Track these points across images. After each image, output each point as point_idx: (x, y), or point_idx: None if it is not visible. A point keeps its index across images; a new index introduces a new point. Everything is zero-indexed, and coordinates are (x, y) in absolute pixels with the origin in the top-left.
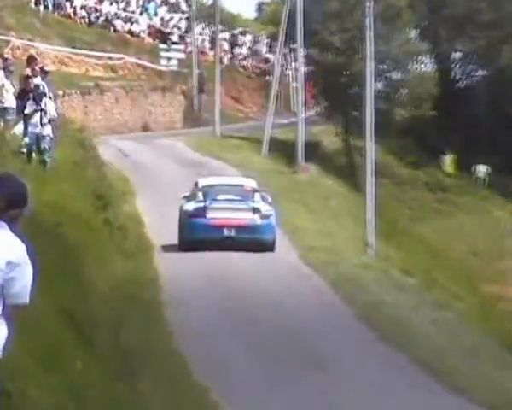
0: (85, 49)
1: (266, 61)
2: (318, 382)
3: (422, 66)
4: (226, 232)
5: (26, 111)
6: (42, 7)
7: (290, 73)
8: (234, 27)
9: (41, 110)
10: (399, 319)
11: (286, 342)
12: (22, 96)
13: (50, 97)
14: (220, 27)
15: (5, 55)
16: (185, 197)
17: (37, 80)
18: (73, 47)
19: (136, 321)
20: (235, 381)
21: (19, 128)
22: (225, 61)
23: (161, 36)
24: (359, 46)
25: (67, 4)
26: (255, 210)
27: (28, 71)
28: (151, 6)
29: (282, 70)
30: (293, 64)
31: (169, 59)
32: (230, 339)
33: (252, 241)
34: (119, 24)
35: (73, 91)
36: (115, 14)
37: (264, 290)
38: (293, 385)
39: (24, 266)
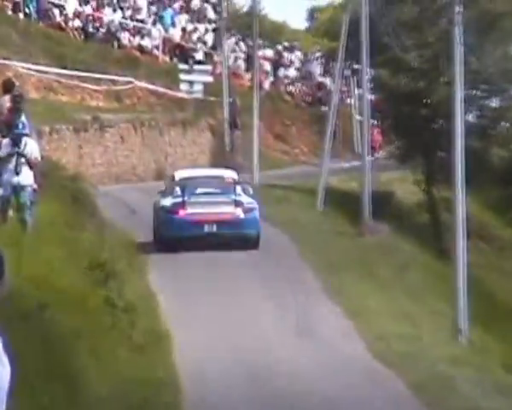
0: (80, 71)
1: (320, 86)
2: None
3: None
4: (207, 228)
5: (0, 154)
6: (22, 14)
7: (352, 101)
8: (278, 41)
9: (18, 154)
10: None
11: None
12: None
13: (29, 135)
14: (260, 41)
15: None
16: (161, 192)
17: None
18: (64, 68)
19: None
20: None
21: None
22: (266, 86)
23: (181, 53)
24: (444, 66)
25: (56, 11)
26: (237, 203)
27: (7, 100)
28: (167, 13)
29: (341, 98)
30: (356, 90)
31: (191, 83)
32: None
33: (235, 236)
34: (125, 37)
35: (64, 127)
36: (120, 23)
37: (320, 396)
38: None
39: None
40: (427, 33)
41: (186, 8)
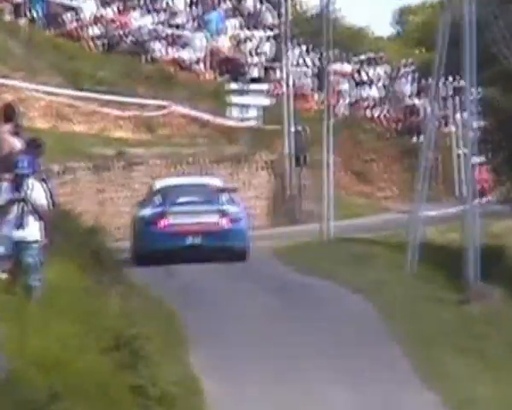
0: (100, 93)
1: (412, 109)
2: None
3: None
4: (190, 240)
5: None
6: (25, 20)
7: (453, 130)
8: (357, 52)
9: (22, 200)
10: None
11: None
12: None
13: (42, 177)
14: (333, 52)
15: None
16: (140, 203)
17: (17, 147)
18: (80, 89)
19: None
20: None
21: None
22: (342, 109)
23: (231, 68)
24: None
25: (69, 16)
26: (223, 213)
27: (7, 129)
28: (213, 18)
29: (439, 125)
30: (458, 115)
31: (245, 108)
32: None
33: (220, 249)
34: (158, 48)
35: (80, 165)
36: (152, 31)
37: None
38: None
39: None
40: None
41: (237, 11)
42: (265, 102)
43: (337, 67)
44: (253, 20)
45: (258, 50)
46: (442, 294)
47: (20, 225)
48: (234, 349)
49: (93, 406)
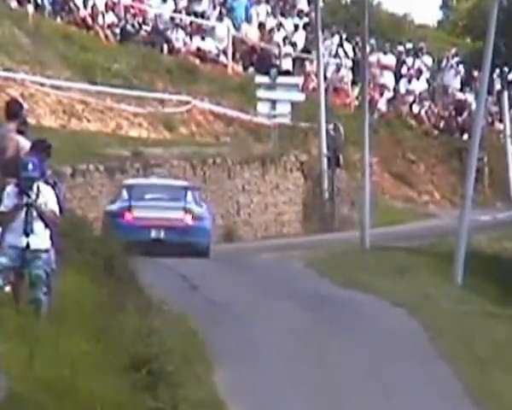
0: (115, 87)
1: (460, 105)
2: None
3: None
4: (154, 234)
5: (2, 208)
6: (31, 7)
7: (508, 128)
8: (398, 42)
9: (29, 206)
10: None
11: None
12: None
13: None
14: (373, 42)
15: None
16: (111, 201)
17: (26, 147)
18: (93, 83)
19: None
20: None
21: None
22: (382, 105)
23: (259, 60)
24: None
25: (80, 2)
26: (187, 210)
27: (12, 128)
28: (239, 4)
29: (490, 122)
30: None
31: (274, 103)
32: None
33: (183, 244)
34: (178, 38)
35: (92, 167)
36: (172, 19)
37: None
38: None
39: None
40: None
41: None
42: (297, 96)
43: (377, 58)
44: (283, 7)
45: (289, 40)
46: (494, 308)
47: (27, 232)
48: (263, 370)
49: None
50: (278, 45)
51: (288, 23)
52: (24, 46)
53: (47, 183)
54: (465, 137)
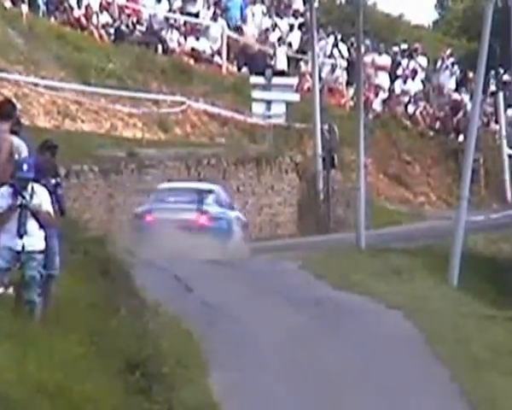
0: (109, 88)
1: (456, 105)
2: None
3: None
4: (171, 234)
5: None
6: (25, 6)
7: (503, 129)
8: (393, 42)
9: (24, 206)
10: None
11: None
12: None
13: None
14: (367, 42)
15: None
16: (140, 204)
17: (21, 147)
18: (87, 83)
19: None
20: None
21: None
22: (377, 106)
23: (254, 60)
24: None
25: (74, 2)
26: (202, 211)
27: (6, 128)
28: (234, 4)
29: (485, 123)
30: (509, 111)
31: (269, 104)
32: None
33: (199, 243)
34: (173, 38)
35: (87, 168)
36: (166, 19)
37: None
38: None
39: None
40: None
41: None
42: (293, 97)
43: (372, 59)
44: (278, 7)
45: (285, 40)
46: (490, 310)
47: (21, 233)
48: (258, 372)
49: None
50: (273, 45)
51: (284, 23)
52: (18, 46)
53: (48, 183)
54: (461, 138)
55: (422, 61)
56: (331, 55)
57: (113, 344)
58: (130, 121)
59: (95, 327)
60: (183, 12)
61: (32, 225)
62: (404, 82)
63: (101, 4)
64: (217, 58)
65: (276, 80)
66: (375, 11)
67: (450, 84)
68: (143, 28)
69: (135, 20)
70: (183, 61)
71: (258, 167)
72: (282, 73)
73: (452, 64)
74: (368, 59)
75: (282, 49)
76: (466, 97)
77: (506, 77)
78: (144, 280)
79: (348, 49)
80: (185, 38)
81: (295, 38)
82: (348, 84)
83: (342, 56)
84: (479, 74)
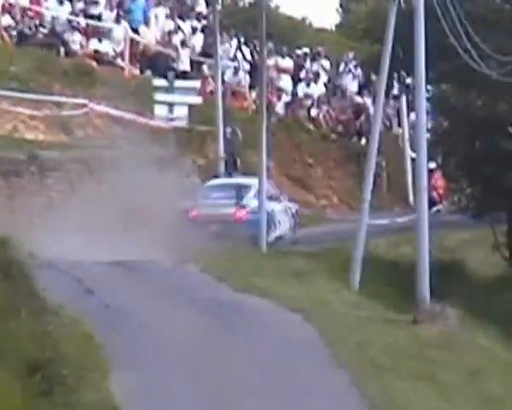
0: (11, 90)
1: (358, 108)
2: None
3: None
4: (212, 228)
5: None
6: None
7: (406, 132)
8: (296, 45)
9: None
10: None
11: None
12: None
13: None
14: (270, 45)
15: None
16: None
17: None
18: None
19: None
20: None
21: None
22: (279, 109)
23: (157, 63)
24: None
25: None
26: (240, 206)
27: None
28: (137, 6)
29: (388, 127)
30: (412, 115)
31: (172, 107)
32: None
33: (236, 236)
34: (75, 40)
35: None
36: (69, 21)
37: None
38: None
39: None
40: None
41: None
42: (195, 100)
43: (275, 61)
44: (181, 9)
45: (187, 43)
46: (392, 314)
47: None
48: (160, 375)
49: None
50: (176, 48)
51: (187, 26)
52: None
53: None
54: (363, 141)
55: (325, 64)
56: (234, 58)
57: (14, 347)
58: (32, 124)
59: None
60: (85, 14)
61: None
62: (307, 85)
63: (3, 7)
64: (119, 60)
65: (178, 83)
66: (278, 14)
67: (353, 87)
68: (46, 30)
69: (37, 22)
70: (85, 63)
71: (160, 170)
72: (184, 76)
73: (355, 67)
74: (271, 62)
75: (184, 51)
76: (368, 101)
77: (409, 80)
78: (46, 283)
79: (251, 52)
80: (88, 41)
81: (198, 40)
82: (251, 87)
83: (245, 59)
84: (381, 77)
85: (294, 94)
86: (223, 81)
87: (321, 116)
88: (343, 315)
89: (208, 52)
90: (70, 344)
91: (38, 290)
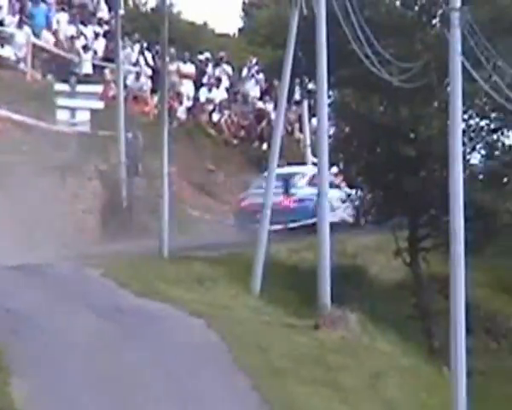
0: None
1: (260, 114)
2: None
3: None
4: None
5: None
6: None
7: (308, 138)
8: (198, 50)
9: None
10: None
11: None
12: None
13: None
14: (172, 51)
15: None
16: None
17: None
18: None
19: None
20: None
21: None
22: (181, 114)
23: (59, 67)
24: (437, 85)
25: None
26: (288, 194)
27: None
28: (39, 11)
29: (290, 132)
30: (313, 120)
31: (73, 111)
32: None
33: (285, 222)
34: None
35: None
36: None
37: None
38: None
39: None
40: (413, 39)
41: (67, 5)
42: (97, 105)
43: (177, 67)
44: (83, 15)
45: (89, 48)
46: (293, 319)
47: None
48: (60, 379)
49: None
50: (78, 53)
51: (89, 31)
52: None
53: None
54: (264, 146)
55: (228, 69)
56: (136, 63)
57: None
58: None
59: None
60: None
61: None
62: (209, 90)
63: None
64: (22, 65)
65: (80, 88)
66: (181, 20)
67: (255, 92)
68: None
69: None
70: None
71: (62, 176)
72: (86, 81)
73: (257, 72)
74: (173, 67)
75: (87, 56)
76: (270, 106)
77: (311, 86)
78: None
79: (153, 58)
80: None
81: (100, 45)
82: (153, 92)
83: (147, 64)
84: (283, 83)
85: (196, 99)
86: (125, 86)
87: (222, 121)
88: (244, 320)
89: (110, 57)
90: None
91: None
